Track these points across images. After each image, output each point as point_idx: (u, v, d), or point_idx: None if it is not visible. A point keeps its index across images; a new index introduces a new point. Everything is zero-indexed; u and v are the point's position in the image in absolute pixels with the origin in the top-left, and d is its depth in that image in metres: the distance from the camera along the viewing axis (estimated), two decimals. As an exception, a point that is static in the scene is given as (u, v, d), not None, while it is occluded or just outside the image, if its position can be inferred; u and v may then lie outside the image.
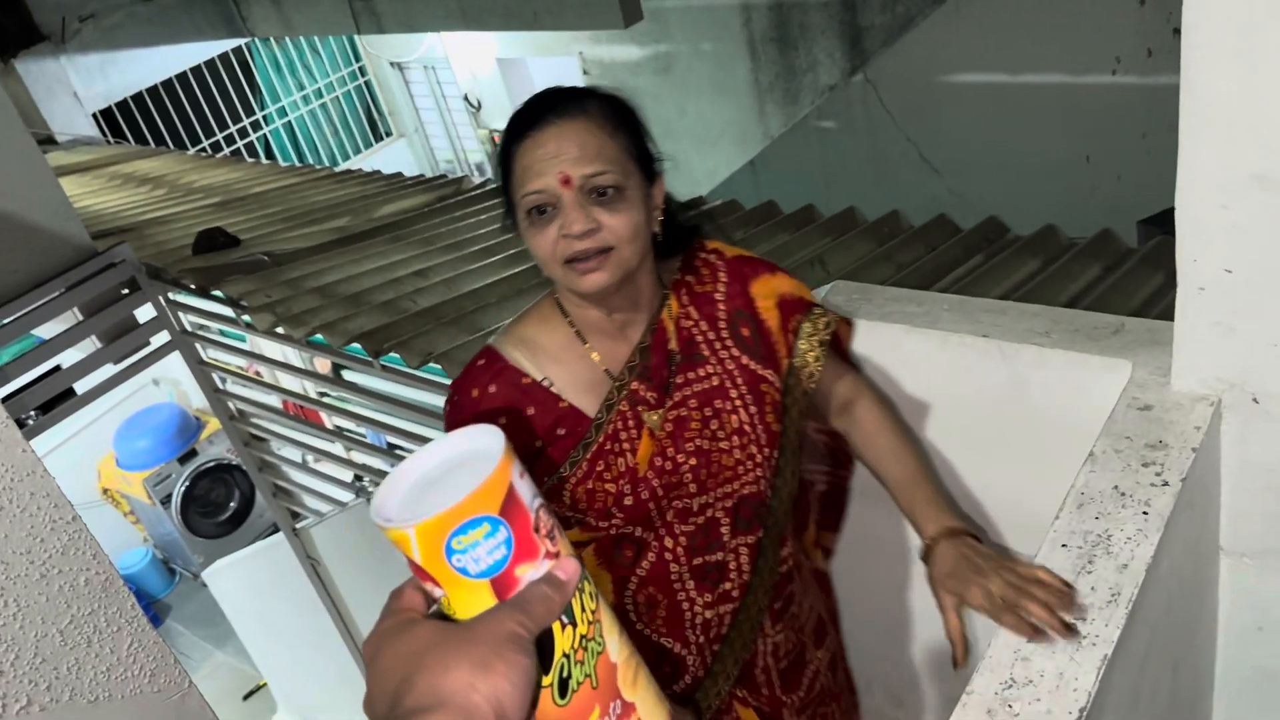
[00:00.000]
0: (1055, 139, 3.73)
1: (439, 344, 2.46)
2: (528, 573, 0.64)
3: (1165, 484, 1.15)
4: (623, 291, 1.21)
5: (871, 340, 1.55)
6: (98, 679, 1.11)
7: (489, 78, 7.44)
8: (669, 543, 1.29)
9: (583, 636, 0.67)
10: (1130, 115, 3.55)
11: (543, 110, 1.15)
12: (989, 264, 2.59)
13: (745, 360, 1.29)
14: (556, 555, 0.66)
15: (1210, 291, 1.17)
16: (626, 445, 1.25)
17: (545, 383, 1.25)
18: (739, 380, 1.28)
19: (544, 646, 0.64)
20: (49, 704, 1.07)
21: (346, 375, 4.37)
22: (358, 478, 4.01)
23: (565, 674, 0.66)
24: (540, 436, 1.24)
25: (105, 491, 6.49)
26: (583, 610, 0.68)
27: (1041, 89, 3.70)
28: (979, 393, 1.47)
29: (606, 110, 1.16)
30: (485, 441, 0.65)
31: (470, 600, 0.63)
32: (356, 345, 2.61)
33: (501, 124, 7.92)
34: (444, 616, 0.65)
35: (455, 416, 1.25)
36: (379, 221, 3.59)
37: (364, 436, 4.01)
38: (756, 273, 1.33)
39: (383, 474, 3.60)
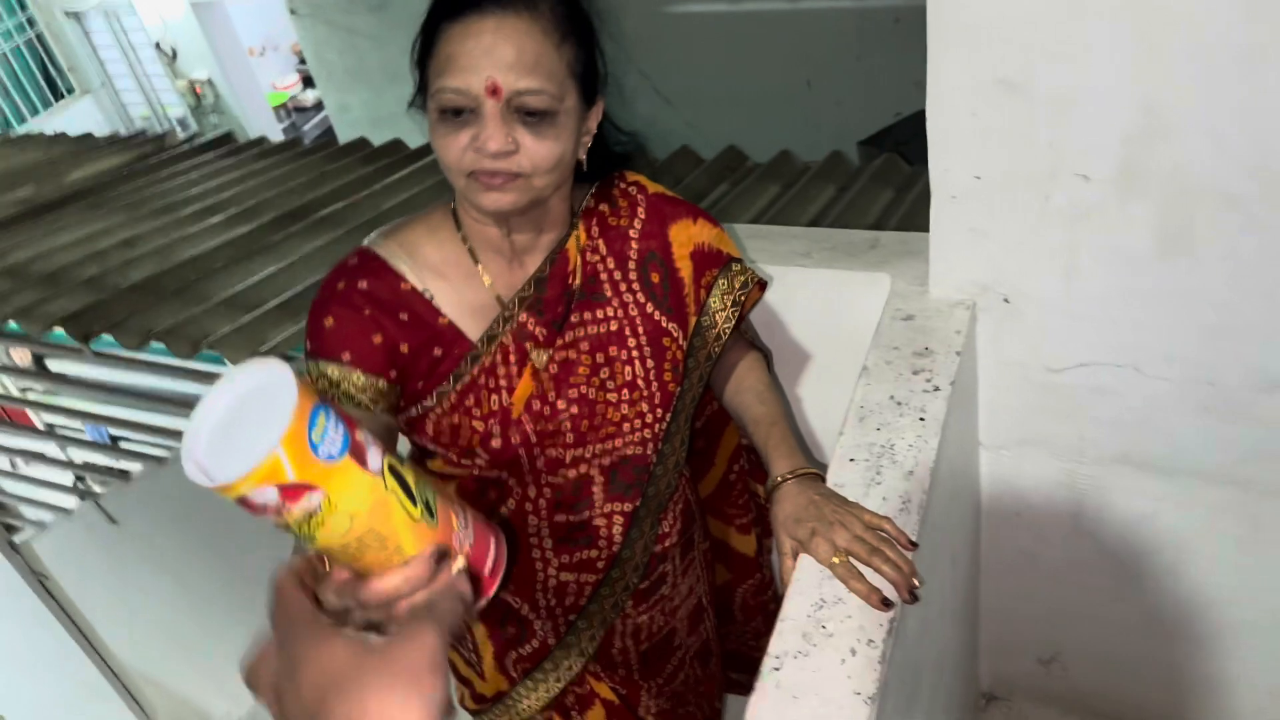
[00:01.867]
0: (778, 67, 3.85)
1: (160, 320, 2.20)
2: (366, 442, 0.68)
3: (936, 389, 1.19)
4: (527, 215, 1.08)
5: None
6: None
7: (182, 22, 6.77)
8: (531, 492, 1.18)
9: (419, 477, 0.72)
10: (844, 39, 3.72)
11: None
12: (734, 191, 2.63)
13: (650, 308, 1.17)
14: (356, 420, 0.69)
15: (962, 199, 1.20)
16: (504, 382, 1.12)
17: (426, 294, 1.10)
18: (640, 329, 1.17)
19: (404, 487, 0.70)
20: None
21: (52, 366, 3.90)
22: (79, 479, 3.60)
23: (428, 501, 0.71)
24: (411, 346, 1.09)
25: None
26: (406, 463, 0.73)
27: (762, 16, 3.79)
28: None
29: (561, 11, 1.00)
30: (255, 374, 0.66)
31: (347, 482, 0.66)
32: (60, 331, 2.29)
33: (202, 73, 7.25)
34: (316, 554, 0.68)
35: (324, 309, 1.08)
36: (70, 189, 3.17)
37: (82, 432, 3.61)
38: (678, 215, 1.20)
39: (109, 470, 3.25)
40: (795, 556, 1.06)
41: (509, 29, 0.97)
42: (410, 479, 0.71)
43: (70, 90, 7.34)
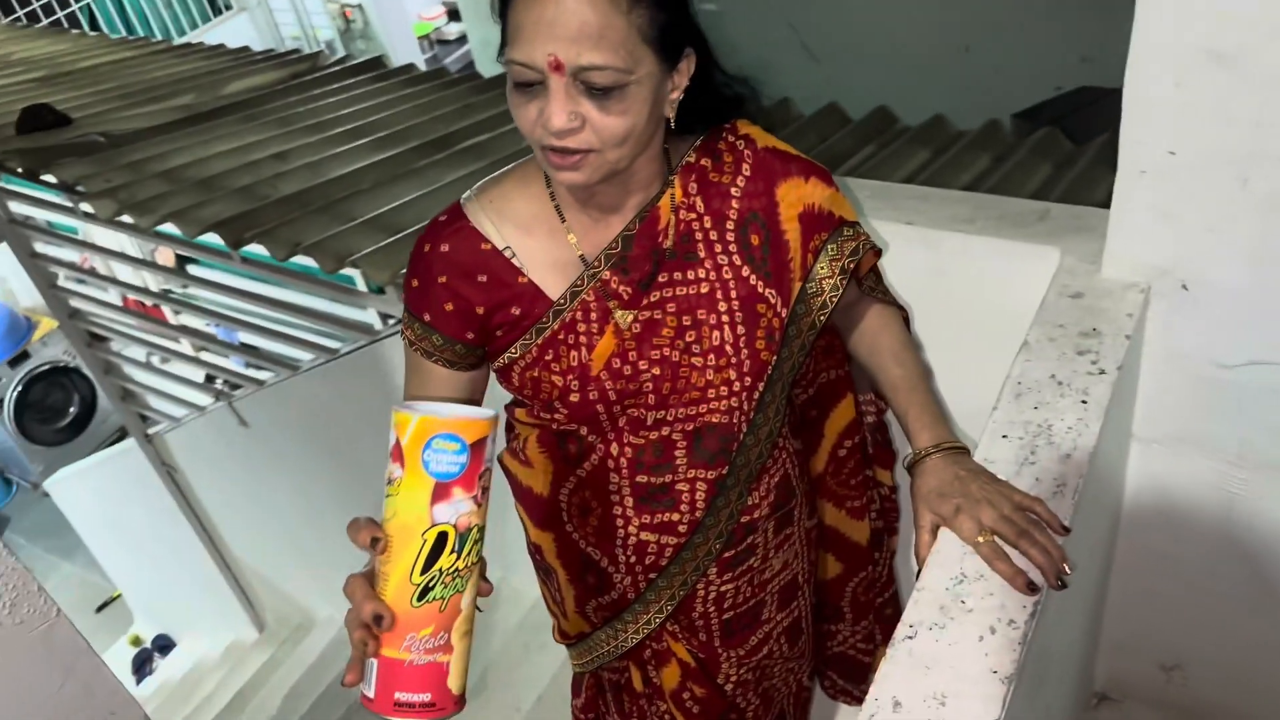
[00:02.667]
0: (936, 29, 3.70)
1: (307, 234, 2.26)
2: (457, 497, 0.85)
3: (1102, 372, 1.13)
4: (609, 182, 1.04)
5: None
6: (-55, 614, 0.96)
7: (339, -53, 6.90)
8: (614, 450, 1.17)
9: (457, 570, 0.86)
10: (1009, 6, 3.55)
11: None
12: (881, 154, 2.55)
13: (746, 272, 1.11)
14: (480, 503, 0.87)
15: (1151, 175, 1.14)
16: (584, 339, 1.11)
17: (507, 252, 1.10)
18: (733, 293, 1.11)
19: (435, 554, 0.85)
20: (-114, 646, 0.92)
21: (193, 270, 4.06)
22: (209, 378, 3.77)
23: (430, 585, 0.85)
24: (485, 306, 1.11)
25: (-75, 398, 5.94)
26: (469, 552, 0.87)
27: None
28: (902, 281, 1.42)
29: None
30: (485, 410, 0.89)
31: (414, 489, 0.84)
32: (212, 235, 2.38)
33: (354, -1, 7.40)
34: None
35: (412, 269, 1.12)
36: (228, 99, 3.28)
37: (214, 334, 3.76)
38: (789, 173, 1.12)
39: (236, 374, 3.39)
40: (934, 532, 1.03)
41: (570, 3, 0.90)
42: (444, 566, 0.85)
43: (228, 6, 7.57)
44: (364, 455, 2.90)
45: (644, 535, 1.21)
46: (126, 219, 2.51)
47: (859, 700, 1.60)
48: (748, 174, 1.11)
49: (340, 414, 2.83)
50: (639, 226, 1.09)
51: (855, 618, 1.52)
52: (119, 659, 5.06)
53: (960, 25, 3.65)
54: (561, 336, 1.10)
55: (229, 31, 7.29)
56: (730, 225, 1.11)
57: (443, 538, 0.84)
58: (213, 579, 4.07)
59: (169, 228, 2.49)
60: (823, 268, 1.14)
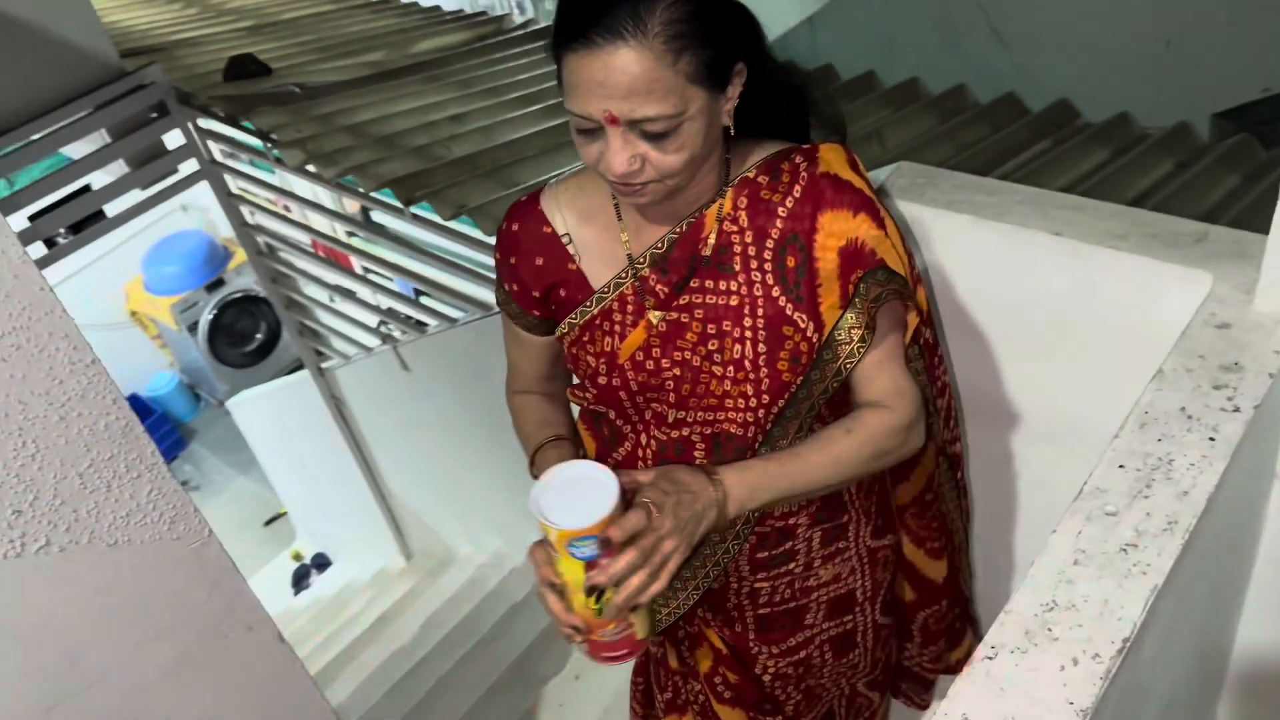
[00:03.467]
0: (1136, 19, 3.49)
1: (472, 197, 2.38)
2: (603, 564, 1.05)
3: (1237, 409, 1.08)
4: (670, 196, 1.10)
5: (934, 229, 1.46)
6: (117, 523, 1.09)
7: (536, -91, 7.04)
8: (642, 441, 1.23)
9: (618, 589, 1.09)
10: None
11: (594, 16, 0.95)
12: (1056, 151, 2.46)
13: (776, 292, 1.13)
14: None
15: (1317, 206, 1.07)
16: (617, 328, 1.17)
17: (565, 239, 1.18)
18: (760, 311, 1.13)
19: (599, 591, 1.07)
20: (68, 545, 1.06)
21: (375, 218, 4.30)
22: (383, 323, 4.00)
23: (602, 605, 1.08)
24: (540, 288, 1.20)
25: (133, 314, 6.54)
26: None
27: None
28: (1045, 293, 1.39)
29: (675, 25, 0.95)
30: (608, 485, 1.06)
31: (570, 568, 1.07)
32: (387, 190, 2.53)
33: (546, -41, 7.55)
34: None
35: (497, 243, 1.24)
36: (415, 58, 3.44)
37: (391, 281, 3.97)
38: (837, 204, 1.11)
39: (408, 320, 3.58)
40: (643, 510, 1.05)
41: (620, 60, 0.95)
42: (609, 596, 1.07)
43: (427, -37, 7.87)
44: (506, 410, 3.04)
45: None
46: (311, 169, 2.70)
47: (923, 706, 1.67)
48: (797, 195, 1.12)
49: (489, 368, 2.97)
50: (683, 231, 1.13)
51: (924, 642, 1.55)
52: (281, 571, 5.49)
53: (1163, 16, 3.42)
54: (598, 322, 1.17)
55: (428, -12, 7.59)
56: (770, 244, 1.13)
57: (595, 592, 1.08)
58: (368, 507, 4.35)
59: (350, 179, 2.66)
60: (851, 315, 1.12)
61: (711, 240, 1.13)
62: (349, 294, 3.96)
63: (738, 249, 1.13)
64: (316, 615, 4.53)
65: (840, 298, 1.12)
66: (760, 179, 1.14)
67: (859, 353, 1.14)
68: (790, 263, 1.13)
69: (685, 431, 1.20)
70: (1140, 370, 1.19)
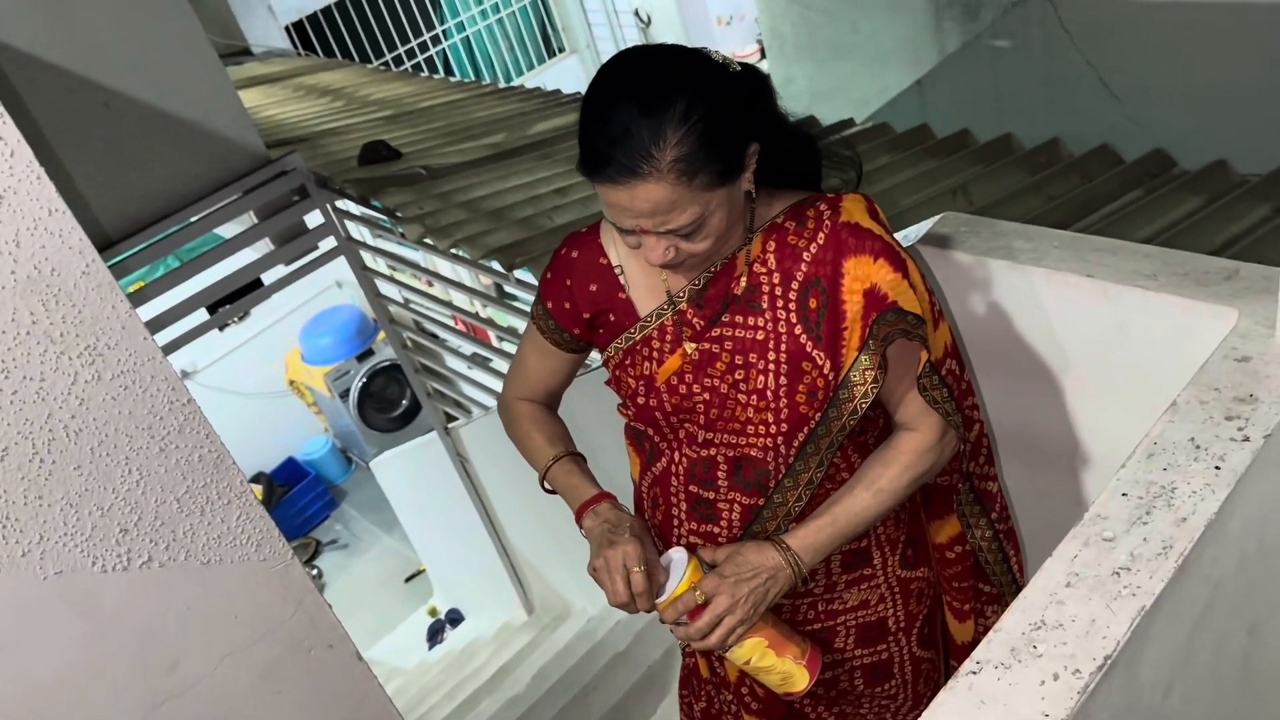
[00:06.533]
0: (1253, 67, 3.41)
1: (568, 260, 2.53)
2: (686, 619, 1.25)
3: (1246, 439, 1.09)
4: (706, 261, 1.23)
5: (970, 276, 1.51)
6: (210, 544, 1.26)
7: (662, -9, 7.37)
8: (677, 457, 1.33)
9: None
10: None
11: (610, 156, 1.06)
12: (1145, 199, 2.44)
13: (798, 330, 1.21)
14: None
15: (1321, 238, 1.08)
16: (656, 355, 1.28)
17: (618, 270, 1.29)
18: (782, 346, 1.22)
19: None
20: (167, 561, 1.22)
21: (509, 291, 4.55)
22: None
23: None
24: (592, 312, 1.31)
25: (291, 383, 7.04)
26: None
27: (1246, 10, 3.37)
28: (1077, 334, 1.42)
29: (683, 157, 1.06)
30: (680, 562, 1.27)
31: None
32: (495, 257, 2.72)
33: (670, 38, 7.87)
34: None
35: (550, 264, 1.34)
36: (531, 139, 3.68)
37: (512, 344, 4.18)
38: (859, 250, 1.18)
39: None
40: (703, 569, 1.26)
41: (641, 192, 1.07)
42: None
43: (562, 49, 8.31)
44: (610, 462, 3.15)
45: (693, 539, 1.35)
46: (428, 241, 2.93)
47: None
48: (821, 242, 1.20)
49: (593, 422, 3.10)
50: (717, 271, 1.24)
51: None
52: (418, 626, 5.71)
53: (1271, 66, 3.33)
54: (639, 348, 1.29)
55: (560, 73, 8.01)
56: (795, 285, 1.22)
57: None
58: (493, 563, 4.52)
59: (461, 249, 2.87)
60: (865, 358, 1.19)
61: (744, 281, 1.23)
62: (475, 359, 4.19)
63: (765, 289, 1.23)
64: (445, 669, 4.70)
65: (859, 339, 1.20)
66: (787, 224, 1.23)
67: (872, 393, 1.21)
68: (812, 304, 1.21)
69: (712, 452, 1.30)
70: (1164, 402, 1.21)
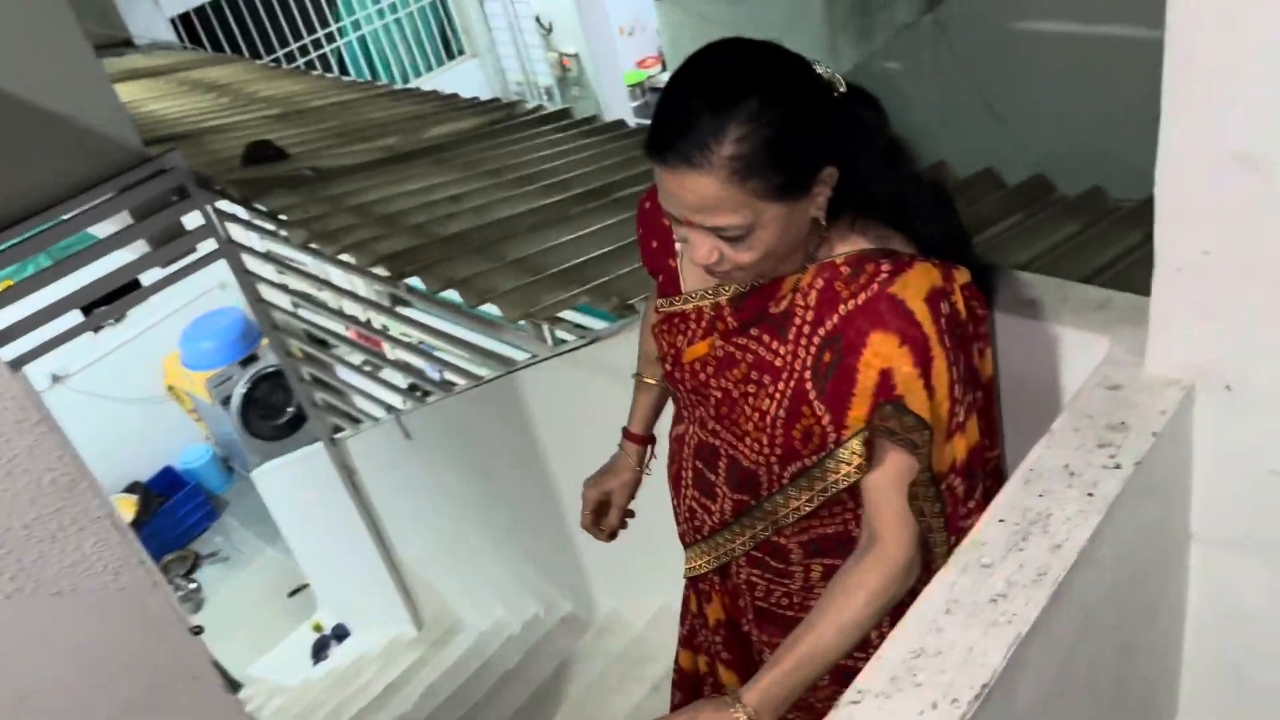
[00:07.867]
0: (1128, 98, 3.57)
1: (460, 270, 2.49)
2: None
3: (1118, 466, 1.12)
4: (757, 279, 1.23)
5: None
6: (61, 573, 1.17)
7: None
8: (691, 430, 1.38)
9: None
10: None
11: (669, 140, 1.05)
12: (1026, 224, 2.52)
13: (807, 375, 1.18)
14: None
15: (1187, 273, 1.13)
16: (688, 334, 1.31)
17: (676, 236, 1.21)
18: (791, 382, 1.20)
19: None
20: (14, 592, 1.13)
21: (399, 298, 4.44)
22: (413, 386, 4.05)
23: None
24: (650, 267, 1.39)
25: (170, 388, 6.75)
26: None
27: (1123, 43, 3.53)
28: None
29: (741, 155, 1.02)
30: None
31: None
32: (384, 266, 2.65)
33: (573, 47, 7.84)
34: None
35: (638, 210, 1.40)
36: (426, 143, 3.61)
37: (422, 359, 4.07)
38: (888, 328, 1.11)
39: (409, 390, 3.67)
40: None
41: (689, 182, 1.05)
42: None
43: (461, 51, 8.20)
44: (502, 475, 3.11)
45: (694, 505, 1.40)
46: (313, 246, 2.84)
47: None
48: (860, 302, 1.14)
49: (485, 436, 3.05)
50: (765, 283, 1.22)
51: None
52: (302, 642, 5.53)
53: (1149, 97, 3.50)
54: (677, 321, 1.32)
55: (461, 75, 7.89)
56: (821, 333, 1.17)
57: None
58: (381, 577, 4.41)
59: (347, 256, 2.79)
60: (856, 443, 1.16)
61: (782, 305, 1.21)
62: (365, 368, 4.08)
63: (797, 322, 1.20)
64: (330, 686, 4.56)
65: (864, 416, 1.16)
66: (843, 269, 1.16)
67: (855, 477, 1.19)
68: (826, 358, 1.17)
69: (715, 442, 1.33)
70: (1042, 433, 1.24)
